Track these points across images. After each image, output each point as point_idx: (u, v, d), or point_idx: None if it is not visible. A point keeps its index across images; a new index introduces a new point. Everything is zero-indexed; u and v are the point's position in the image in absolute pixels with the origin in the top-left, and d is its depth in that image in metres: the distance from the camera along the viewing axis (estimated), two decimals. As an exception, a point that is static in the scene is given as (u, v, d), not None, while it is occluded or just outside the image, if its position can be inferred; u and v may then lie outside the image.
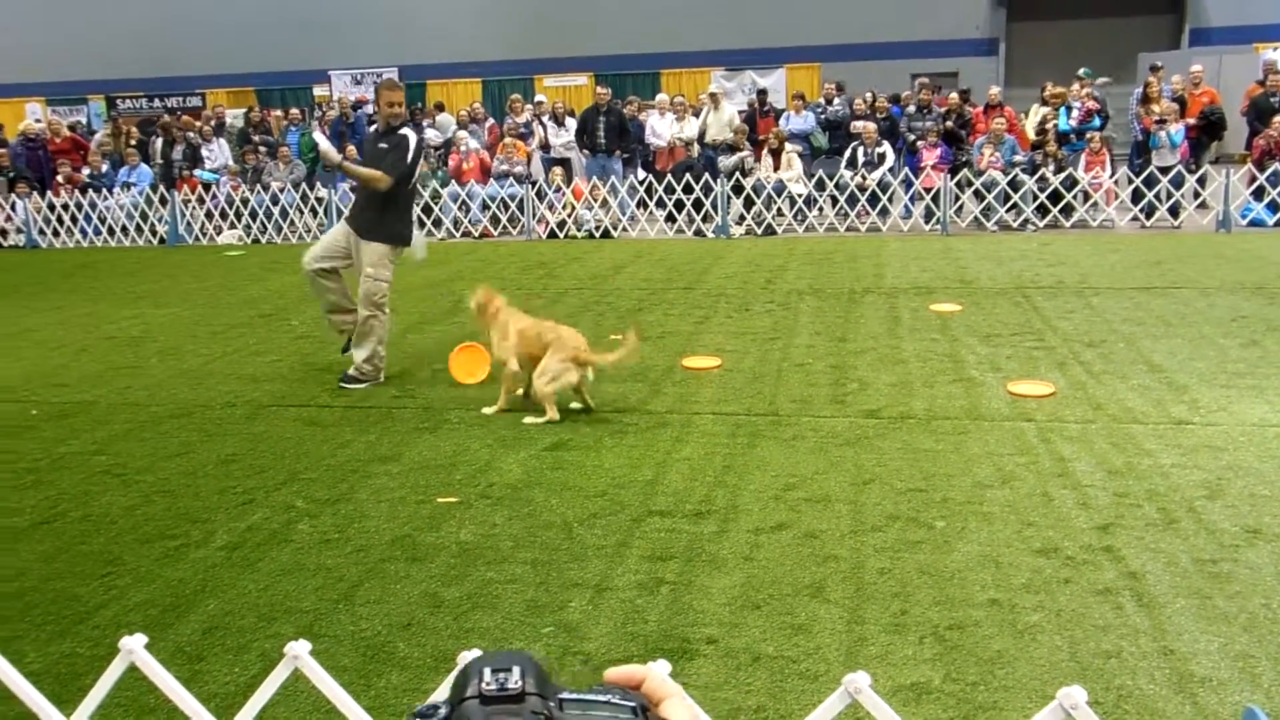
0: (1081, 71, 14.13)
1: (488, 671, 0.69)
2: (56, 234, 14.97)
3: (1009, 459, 4.69)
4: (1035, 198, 12.54)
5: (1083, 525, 3.95)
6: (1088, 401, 5.51)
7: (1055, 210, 12.41)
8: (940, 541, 3.86)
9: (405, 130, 6.47)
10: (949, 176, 12.74)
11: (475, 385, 6.32)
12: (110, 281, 11.32)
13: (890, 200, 13.10)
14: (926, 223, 12.90)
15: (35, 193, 15.18)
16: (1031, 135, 13.69)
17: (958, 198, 12.89)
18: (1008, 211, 12.60)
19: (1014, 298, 8.32)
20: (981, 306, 8.05)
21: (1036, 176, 12.52)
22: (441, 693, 1.69)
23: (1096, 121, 13.21)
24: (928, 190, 12.89)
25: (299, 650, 1.79)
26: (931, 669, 3.01)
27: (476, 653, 0.82)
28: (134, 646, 1.86)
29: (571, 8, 22.91)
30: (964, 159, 13.42)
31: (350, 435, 5.46)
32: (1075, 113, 13.26)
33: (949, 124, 13.72)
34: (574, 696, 0.70)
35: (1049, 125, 13.20)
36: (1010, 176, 12.60)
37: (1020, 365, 6.31)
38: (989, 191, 12.61)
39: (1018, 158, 12.91)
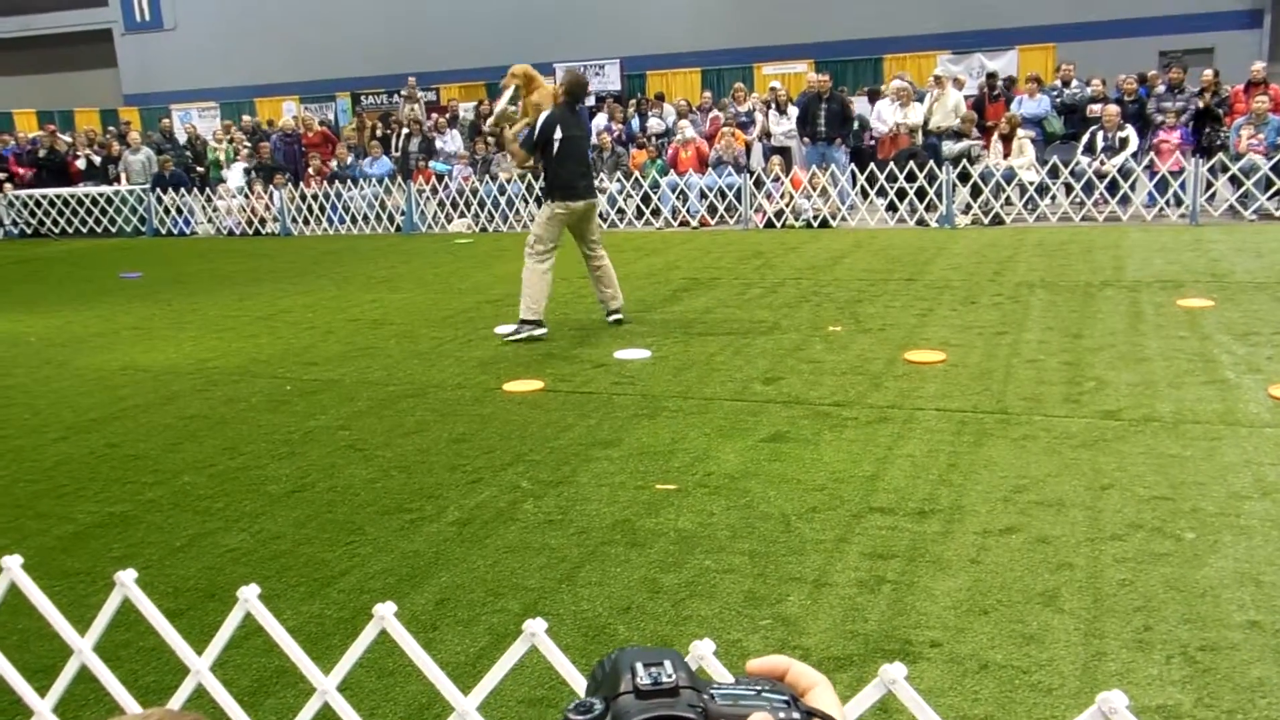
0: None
1: (640, 666, 0.69)
2: (307, 222, 16.15)
3: (1271, 469, 4.30)
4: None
5: (1360, 546, 3.57)
6: (1365, 409, 4.98)
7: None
8: (1189, 555, 3.58)
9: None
10: (1200, 160, 11.79)
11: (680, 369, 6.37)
12: (353, 267, 12.11)
13: (1133, 188, 12.26)
14: (1170, 208, 12.00)
15: (290, 184, 16.43)
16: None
17: (1209, 184, 11.92)
18: (1270, 199, 11.54)
19: (1276, 293, 7.62)
20: (1237, 302, 7.41)
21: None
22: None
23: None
24: (1175, 174, 11.97)
25: (536, 628, 1.85)
26: (1180, 692, 2.80)
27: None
28: (385, 613, 1.97)
29: (791, -7, 22.66)
30: (1219, 142, 12.39)
31: (572, 419, 5.61)
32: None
33: (1204, 102, 12.69)
34: (725, 689, 0.69)
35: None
36: (1275, 160, 11.53)
37: (1283, 367, 5.78)
38: (1248, 177, 11.59)
39: (1283, 139, 11.81)
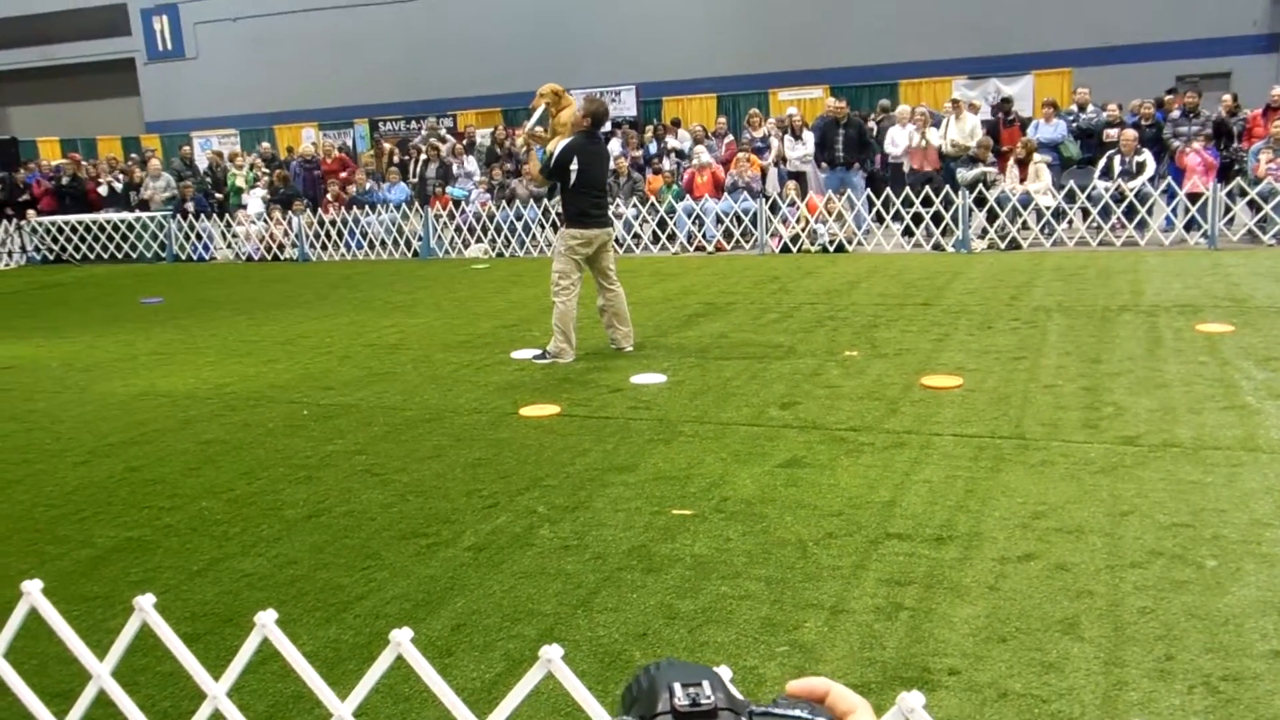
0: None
1: (678, 686, 0.68)
2: (325, 248, 16.26)
3: (1292, 496, 4.26)
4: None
5: (1384, 574, 3.53)
6: (1388, 435, 4.93)
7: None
8: (1211, 582, 3.55)
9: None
10: (1219, 184, 11.75)
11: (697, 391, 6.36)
12: (370, 292, 12.17)
13: (1150, 212, 12.22)
14: (1188, 232, 11.96)
15: (308, 210, 16.55)
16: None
17: (1228, 209, 11.88)
18: (1288, 223, 11.50)
19: (1296, 318, 7.58)
20: (1257, 327, 7.37)
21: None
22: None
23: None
24: (1193, 199, 11.94)
25: (552, 654, 1.85)
26: (1203, 722, 2.76)
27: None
28: (402, 639, 1.97)
29: (806, 19, 22.75)
30: (1237, 166, 12.36)
31: (588, 444, 5.61)
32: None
33: (1221, 113, 12.66)
34: (763, 710, 0.69)
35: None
36: (1292, 185, 11.49)
37: (1304, 393, 5.73)
38: (1267, 201, 11.55)
39: (1301, 164, 11.76)
